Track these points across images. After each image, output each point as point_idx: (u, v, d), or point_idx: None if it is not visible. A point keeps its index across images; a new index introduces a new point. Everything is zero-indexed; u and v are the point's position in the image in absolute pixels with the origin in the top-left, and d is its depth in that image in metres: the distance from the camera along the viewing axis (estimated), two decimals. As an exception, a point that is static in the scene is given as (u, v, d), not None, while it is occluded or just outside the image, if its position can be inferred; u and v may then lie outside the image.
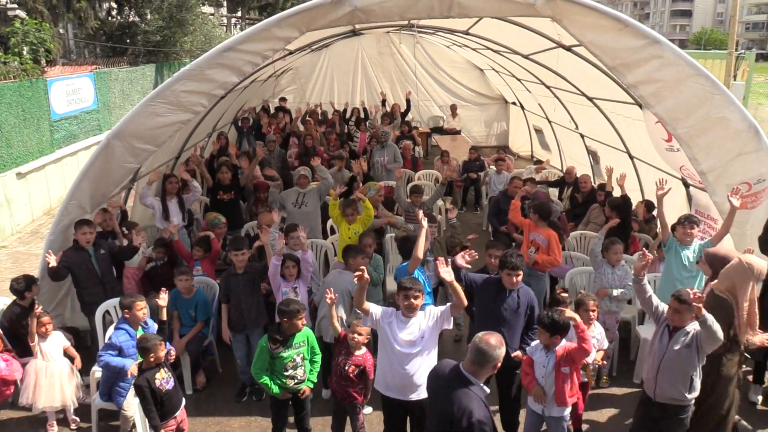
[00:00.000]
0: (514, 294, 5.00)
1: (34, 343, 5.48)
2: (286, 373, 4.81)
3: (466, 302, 4.59)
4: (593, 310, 5.22)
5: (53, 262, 5.87)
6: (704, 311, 4.24)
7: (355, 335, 4.77)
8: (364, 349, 4.86)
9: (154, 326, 5.26)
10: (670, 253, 5.93)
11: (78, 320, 6.52)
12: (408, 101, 14.50)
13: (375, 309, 4.60)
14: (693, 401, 4.62)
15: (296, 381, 4.87)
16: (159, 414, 4.68)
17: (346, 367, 4.81)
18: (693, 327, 4.50)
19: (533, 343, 4.82)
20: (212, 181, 8.73)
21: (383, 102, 14.51)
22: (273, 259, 5.72)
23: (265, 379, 4.82)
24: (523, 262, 5.05)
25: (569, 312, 4.65)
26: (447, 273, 4.41)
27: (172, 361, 4.87)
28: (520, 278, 4.98)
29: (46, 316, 5.58)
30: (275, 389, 4.83)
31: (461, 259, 4.92)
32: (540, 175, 10.95)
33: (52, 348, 5.54)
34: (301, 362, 4.87)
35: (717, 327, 4.28)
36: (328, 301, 4.88)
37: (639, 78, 5.87)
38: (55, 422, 5.60)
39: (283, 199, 8.20)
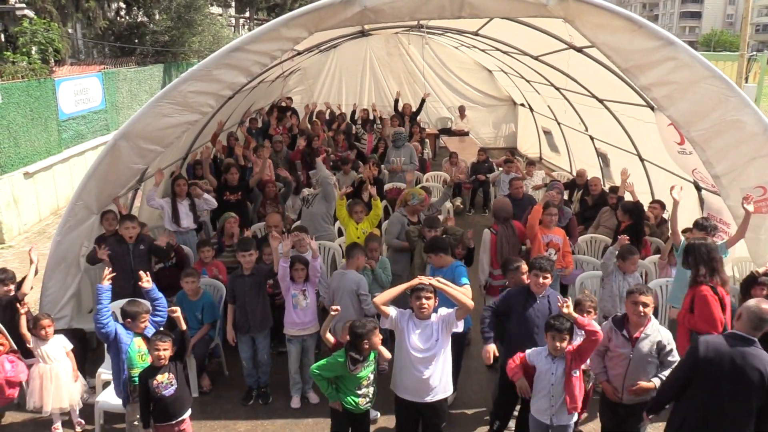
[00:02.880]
0: (544, 300, 4.97)
1: (32, 346, 5.44)
2: (359, 392, 4.66)
3: (470, 304, 4.58)
4: (589, 312, 5.16)
5: (104, 255, 6.14)
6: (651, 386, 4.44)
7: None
8: None
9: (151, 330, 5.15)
10: (682, 256, 5.84)
11: (84, 321, 6.49)
12: (423, 101, 14.43)
13: (393, 311, 4.63)
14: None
15: (368, 400, 4.71)
16: (156, 415, 4.67)
17: None
18: (656, 329, 4.55)
19: (535, 349, 4.74)
20: (217, 182, 8.68)
21: (396, 101, 14.46)
22: (281, 261, 5.66)
23: (323, 382, 4.68)
24: (552, 266, 5.04)
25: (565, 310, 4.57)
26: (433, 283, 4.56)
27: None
28: (547, 282, 4.93)
29: (47, 318, 5.51)
30: (332, 394, 4.69)
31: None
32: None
33: (54, 350, 5.49)
34: (373, 380, 4.72)
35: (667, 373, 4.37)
36: (333, 313, 4.89)
37: (652, 80, 5.79)
38: (59, 424, 5.56)
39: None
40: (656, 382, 4.47)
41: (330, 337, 4.95)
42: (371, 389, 4.72)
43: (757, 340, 3.88)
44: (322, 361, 4.71)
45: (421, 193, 7.31)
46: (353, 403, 4.65)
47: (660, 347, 4.48)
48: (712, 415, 3.94)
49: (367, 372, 4.65)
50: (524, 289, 5.11)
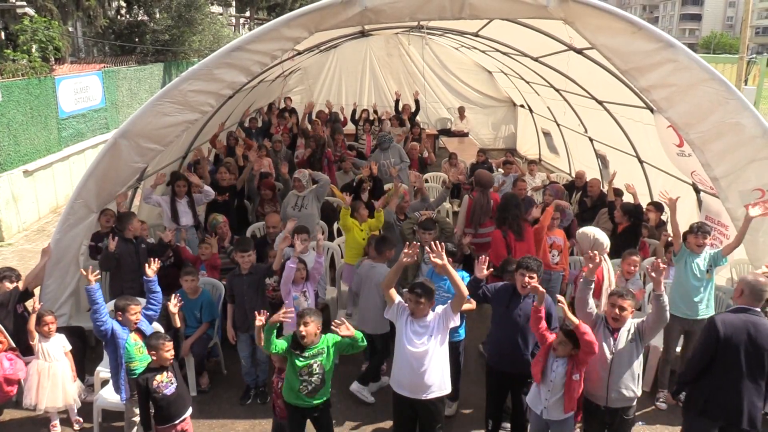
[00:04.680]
0: (529, 300, 4.93)
1: (35, 343, 5.44)
2: (301, 378, 4.58)
3: (466, 292, 4.61)
4: None
5: (113, 246, 6.13)
6: (662, 286, 4.46)
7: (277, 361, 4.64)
8: None
9: (150, 329, 5.19)
10: (681, 262, 5.85)
11: (83, 319, 6.49)
12: (417, 101, 14.46)
13: (397, 300, 4.68)
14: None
15: (310, 389, 4.58)
16: (157, 417, 4.64)
17: (279, 385, 4.79)
18: (631, 322, 4.59)
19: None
20: (212, 181, 8.67)
21: (397, 101, 14.45)
22: (289, 262, 5.63)
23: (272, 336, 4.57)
24: (540, 266, 4.98)
25: (569, 315, 4.51)
26: (437, 259, 4.48)
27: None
28: (533, 281, 4.87)
29: (50, 315, 5.53)
30: (276, 347, 4.57)
31: (479, 271, 4.90)
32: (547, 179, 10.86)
33: (54, 348, 5.50)
34: (319, 371, 4.58)
35: (667, 304, 4.50)
36: (258, 322, 4.64)
37: (652, 82, 5.80)
38: (57, 422, 5.57)
39: (284, 204, 8.22)
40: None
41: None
42: (313, 379, 4.56)
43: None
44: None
45: (399, 192, 7.55)
46: (295, 390, 4.57)
47: (636, 326, 4.56)
48: (734, 385, 4.34)
49: (304, 363, 4.53)
50: (511, 287, 5.07)
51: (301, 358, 4.55)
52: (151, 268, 5.27)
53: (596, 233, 5.82)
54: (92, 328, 5.02)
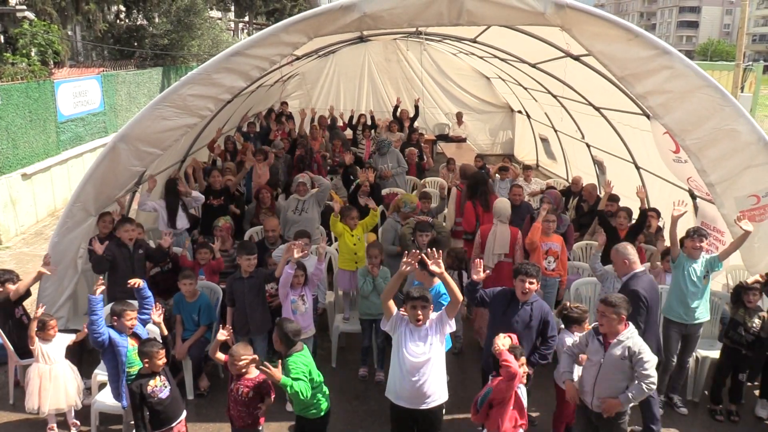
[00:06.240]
0: (527, 307, 4.92)
1: (35, 347, 5.43)
2: None
3: (461, 297, 4.59)
4: (574, 316, 5.19)
5: (99, 250, 6.11)
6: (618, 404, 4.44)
7: (236, 362, 4.50)
8: (255, 372, 4.55)
9: (145, 332, 5.22)
10: (678, 268, 5.87)
11: (80, 323, 6.48)
12: (416, 107, 14.51)
13: (396, 312, 4.61)
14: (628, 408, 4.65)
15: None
16: (154, 422, 4.64)
17: (239, 392, 4.55)
18: (629, 336, 4.46)
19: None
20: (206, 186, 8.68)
21: (396, 107, 14.48)
22: (287, 267, 5.61)
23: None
24: (539, 272, 4.99)
25: (498, 344, 4.37)
26: (435, 266, 4.47)
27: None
28: (533, 287, 4.88)
29: (53, 320, 5.54)
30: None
31: (476, 273, 4.87)
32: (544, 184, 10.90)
33: (55, 350, 5.50)
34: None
35: (645, 388, 4.36)
36: (221, 338, 4.67)
37: (648, 89, 5.85)
38: (55, 425, 5.56)
39: (284, 208, 8.22)
40: (622, 399, 4.38)
41: (221, 356, 4.78)
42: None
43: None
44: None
45: (413, 200, 7.36)
46: None
47: (631, 353, 4.40)
48: (655, 331, 5.43)
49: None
50: (510, 292, 5.04)
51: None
52: (135, 282, 5.24)
53: (497, 204, 6.96)
54: (89, 338, 5.04)
